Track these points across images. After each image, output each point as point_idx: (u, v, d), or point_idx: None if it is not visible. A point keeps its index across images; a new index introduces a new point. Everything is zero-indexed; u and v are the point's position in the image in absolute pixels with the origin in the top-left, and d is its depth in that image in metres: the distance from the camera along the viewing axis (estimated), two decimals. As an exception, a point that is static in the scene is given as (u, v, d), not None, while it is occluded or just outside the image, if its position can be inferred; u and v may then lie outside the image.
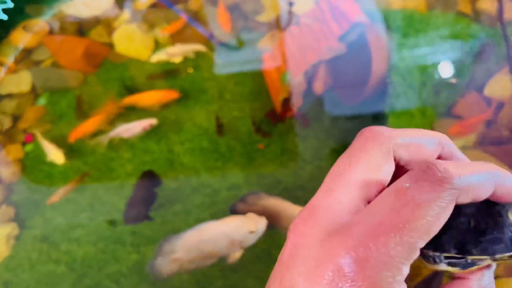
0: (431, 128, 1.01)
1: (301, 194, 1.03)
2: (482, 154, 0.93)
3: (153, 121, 1.16)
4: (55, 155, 1.15)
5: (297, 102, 1.17)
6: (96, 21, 1.45)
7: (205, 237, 0.83)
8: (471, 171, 0.20)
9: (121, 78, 1.30)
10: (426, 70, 1.10)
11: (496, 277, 0.83)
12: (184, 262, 0.82)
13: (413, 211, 0.19)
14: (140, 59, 1.34)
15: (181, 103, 1.22)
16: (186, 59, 1.30)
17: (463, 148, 0.95)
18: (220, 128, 1.14)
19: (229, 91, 1.24)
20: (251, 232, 0.83)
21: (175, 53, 1.29)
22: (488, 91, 1.02)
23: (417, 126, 1.03)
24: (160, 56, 1.29)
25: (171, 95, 1.21)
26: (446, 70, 1.11)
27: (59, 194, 1.09)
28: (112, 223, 1.05)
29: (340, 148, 1.08)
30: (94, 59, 1.34)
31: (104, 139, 1.16)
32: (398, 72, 1.09)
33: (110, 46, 1.38)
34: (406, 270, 0.19)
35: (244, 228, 0.84)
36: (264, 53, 1.28)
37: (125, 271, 0.98)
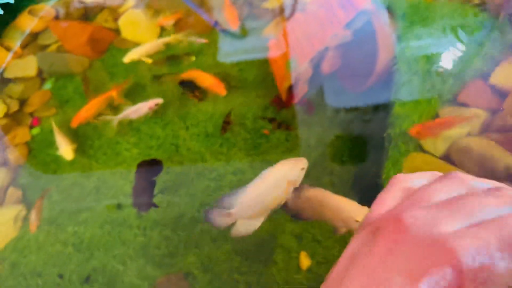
0: (436, 115, 1.02)
1: (305, 180, 1.04)
2: (487, 141, 0.94)
3: (159, 100, 1.17)
4: (65, 150, 1.15)
5: (302, 89, 1.18)
6: (101, 7, 1.45)
7: (264, 187, 0.85)
8: None
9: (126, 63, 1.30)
10: (432, 59, 1.10)
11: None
12: (239, 217, 0.84)
13: None
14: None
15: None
16: (190, 45, 1.30)
17: (469, 135, 0.96)
18: (226, 124, 1.13)
19: (233, 78, 1.24)
20: (302, 169, 0.87)
21: (149, 51, 1.29)
22: (494, 79, 1.03)
23: (422, 114, 1.03)
24: (132, 56, 1.27)
25: (219, 88, 1.20)
26: (451, 59, 1.11)
27: (34, 222, 1.08)
28: (118, 206, 1.06)
29: (344, 135, 1.08)
30: (100, 45, 1.34)
31: (113, 122, 1.17)
32: (404, 60, 1.09)
33: (116, 31, 1.38)
34: None
35: (296, 167, 0.87)
36: (270, 40, 1.28)
37: (131, 253, 1.00)
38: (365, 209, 0.84)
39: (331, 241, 0.95)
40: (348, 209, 0.83)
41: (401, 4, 1.20)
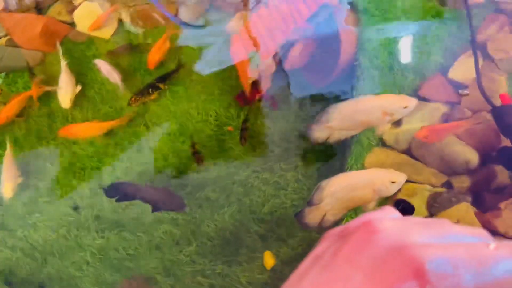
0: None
1: (269, 176, 1.03)
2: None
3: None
4: (6, 188, 1.03)
5: (266, 85, 1.16)
6: (55, -1, 1.37)
7: (360, 108, 0.88)
8: None
9: (83, 56, 1.24)
10: (393, 53, 1.11)
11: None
12: (336, 130, 0.88)
13: None
14: (102, 37, 1.28)
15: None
16: (147, 37, 1.26)
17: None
18: (197, 155, 1.07)
19: (196, 74, 1.21)
20: (405, 107, 0.86)
21: None
22: (452, 73, 1.04)
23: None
24: (67, 97, 1.13)
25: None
26: (411, 53, 1.12)
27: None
28: (74, 208, 1.01)
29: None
30: (53, 38, 1.27)
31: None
32: (366, 54, 1.09)
33: (71, 24, 1.31)
34: None
35: (399, 103, 0.86)
36: (232, 35, 1.25)
37: (89, 257, 0.95)
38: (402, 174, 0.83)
39: (296, 240, 0.94)
40: (380, 177, 0.84)
41: (363, -2, 1.20)
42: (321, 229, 0.84)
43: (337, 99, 1.10)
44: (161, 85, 1.16)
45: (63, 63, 1.17)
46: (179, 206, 0.95)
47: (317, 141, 0.90)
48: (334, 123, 0.88)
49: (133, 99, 1.12)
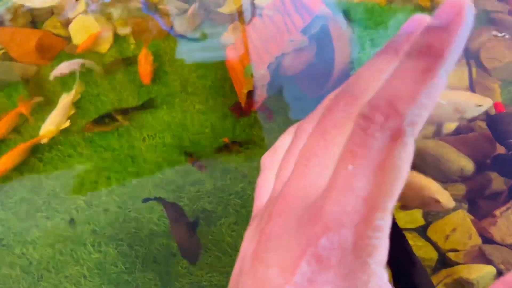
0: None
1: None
2: (442, 144, 0.95)
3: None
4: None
5: (261, 96, 1.16)
6: (50, 12, 1.38)
7: None
8: None
9: (78, 71, 1.24)
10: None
11: (456, 262, 0.86)
12: None
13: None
14: (98, 51, 1.28)
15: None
16: (146, 52, 1.26)
17: (424, 138, 0.97)
18: (198, 164, 1.07)
19: (191, 85, 1.21)
20: (478, 105, 0.82)
21: (64, 114, 1.14)
22: (446, 82, 1.05)
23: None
24: (49, 128, 1.10)
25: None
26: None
27: None
28: (71, 222, 1.01)
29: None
30: (49, 51, 1.27)
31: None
32: (360, 64, 1.10)
33: (66, 38, 1.32)
34: (385, 245, 0.18)
35: (473, 101, 0.82)
36: (227, 46, 1.26)
37: (86, 272, 0.95)
38: (446, 192, 0.79)
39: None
40: (429, 188, 0.79)
41: (356, 9, 1.22)
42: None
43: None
44: (119, 117, 1.12)
45: (67, 98, 1.14)
46: (191, 257, 0.93)
47: None
48: None
49: (87, 126, 1.10)
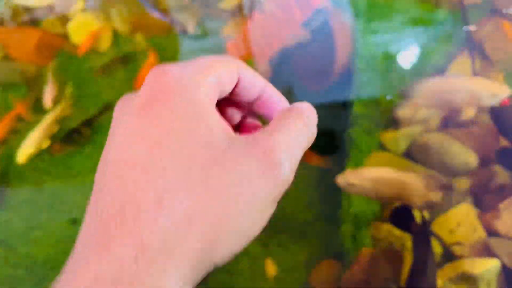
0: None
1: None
2: (446, 137, 0.94)
3: None
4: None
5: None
6: (49, 11, 1.37)
7: (448, 87, 0.84)
8: None
9: (78, 69, 1.24)
10: (390, 56, 1.11)
11: (461, 256, 0.86)
12: (421, 109, 0.84)
13: None
14: (98, 50, 1.28)
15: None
16: (147, 47, 1.26)
17: (428, 132, 0.96)
18: None
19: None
20: (495, 95, 0.82)
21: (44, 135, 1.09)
22: (450, 74, 1.04)
23: (383, 112, 1.03)
24: (27, 151, 1.07)
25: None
26: (409, 56, 1.11)
27: None
28: (73, 221, 1.01)
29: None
30: (48, 51, 1.27)
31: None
32: (362, 58, 1.09)
33: (65, 37, 1.31)
34: None
35: (489, 90, 0.82)
36: (228, 41, 1.25)
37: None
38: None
39: (297, 246, 0.94)
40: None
41: (358, 1, 1.20)
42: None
43: (334, 102, 1.10)
44: (83, 130, 1.09)
45: (51, 116, 1.11)
46: None
47: (401, 119, 0.84)
48: (420, 100, 0.83)
49: (56, 148, 1.07)
